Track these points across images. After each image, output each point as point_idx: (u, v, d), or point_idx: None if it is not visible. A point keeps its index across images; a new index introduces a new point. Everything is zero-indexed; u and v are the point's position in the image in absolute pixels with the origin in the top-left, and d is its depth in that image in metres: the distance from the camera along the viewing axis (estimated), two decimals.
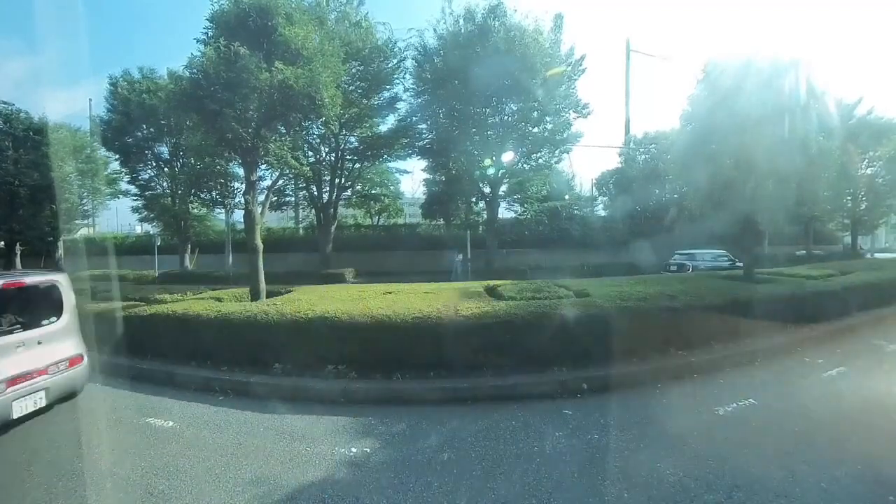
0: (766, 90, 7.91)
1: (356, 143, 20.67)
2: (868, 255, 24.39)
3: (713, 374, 5.49)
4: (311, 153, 19.94)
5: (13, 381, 4.01)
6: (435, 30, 17.93)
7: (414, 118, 20.11)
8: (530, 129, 18.84)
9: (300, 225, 29.12)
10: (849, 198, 23.40)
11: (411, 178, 62.67)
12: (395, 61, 19.17)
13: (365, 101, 19.08)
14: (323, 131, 18.34)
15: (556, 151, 20.05)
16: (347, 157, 20.79)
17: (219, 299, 7.44)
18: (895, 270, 10.81)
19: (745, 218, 8.94)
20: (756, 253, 10.21)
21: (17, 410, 3.99)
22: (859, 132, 20.71)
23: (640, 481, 3.12)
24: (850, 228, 25.84)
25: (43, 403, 4.23)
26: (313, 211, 22.38)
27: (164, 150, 20.96)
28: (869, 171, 22.90)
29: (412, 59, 18.90)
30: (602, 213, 27.34)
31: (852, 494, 2.93)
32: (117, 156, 20.77)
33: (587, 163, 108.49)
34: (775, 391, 4.95)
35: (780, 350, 6.39)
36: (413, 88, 19.48)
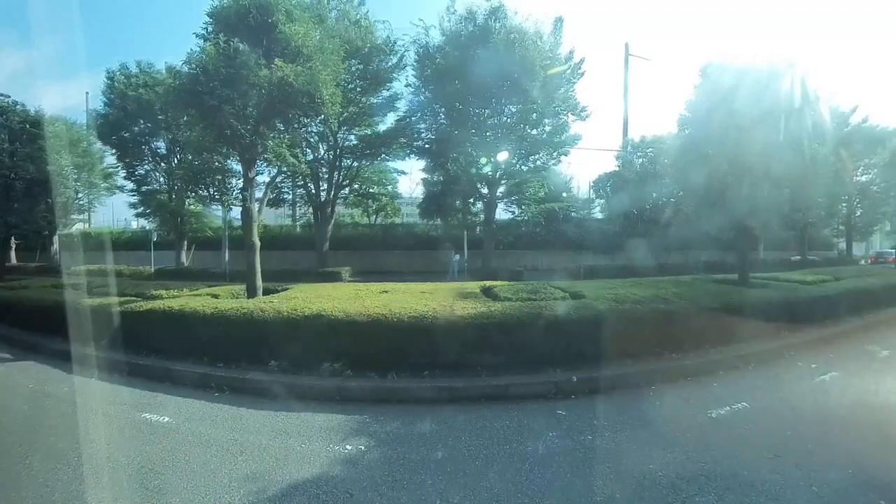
0: (763, 90, 7.95)
1: (355, 142, 20.67)
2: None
3: (707, 376, 5.52)
4: (309, 151, 19.91)
5: None
6: (440, 25, 17.91)
7: (413, 117, 20.10)
8: (529, 130, 18.90)
9: (297, 223, 29.03)
10: (844, 204, 23.60)
11: (409, 178, 63.02)
12: (394, 59, 19.18)
13: (364, 99, 19.08)
14: (322, 129, 18.34)
15: (555, 153, 20.11)
16: (346, 155, 20.77)
17: (215, 296, 7.43)
18: (888, 277, 10.91)
19: (740, 222, 8.99)
20: (751, 257, 10.28)
21: None
22: (855, 140, 20.90)
23: (633, 482, 3.14)
24: (845, 234, 26.07)
25: None
26: (311, 209, 22.37)
27: (162, 145, 20.90)
28: (864, 178, 23.13)
29: (415, 52, 18.87)
30: (599, 215, 27.40)
31: (843, 498, 2.96)
32: (114, 150, 20.67)
33: (585, 165, 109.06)
34: (768, 395, 4.99)
35: (774, 354, 6.43)
36: (414, 84, 19.48)
